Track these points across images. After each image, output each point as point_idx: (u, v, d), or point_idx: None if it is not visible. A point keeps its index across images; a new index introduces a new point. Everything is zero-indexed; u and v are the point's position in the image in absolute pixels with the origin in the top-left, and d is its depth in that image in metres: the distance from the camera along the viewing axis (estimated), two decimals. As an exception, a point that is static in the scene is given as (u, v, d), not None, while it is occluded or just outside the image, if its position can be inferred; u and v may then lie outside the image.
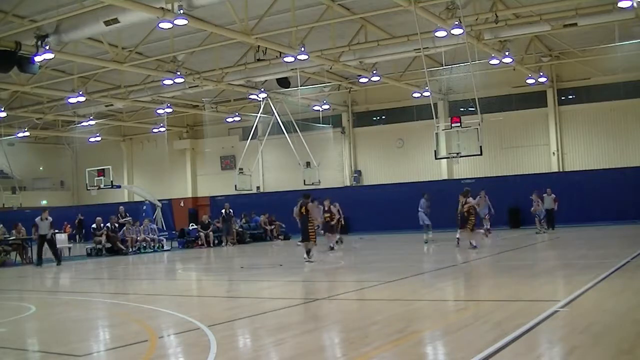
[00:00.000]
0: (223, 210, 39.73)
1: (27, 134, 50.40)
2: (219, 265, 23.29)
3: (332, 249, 29.57)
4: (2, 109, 41.27)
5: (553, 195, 35.21)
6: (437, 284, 17.43)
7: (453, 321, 11.58)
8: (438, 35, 28.42)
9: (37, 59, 26.92)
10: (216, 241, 39.50)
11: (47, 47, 26.05)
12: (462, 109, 41.54)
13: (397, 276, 18.14)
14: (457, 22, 26.41)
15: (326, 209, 29.99)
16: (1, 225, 35.22)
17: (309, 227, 24.34)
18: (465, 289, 16.37)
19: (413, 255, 25.75)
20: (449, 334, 10.41)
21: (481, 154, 28.43)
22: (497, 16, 27.91)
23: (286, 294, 17.17)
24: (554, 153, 43.20)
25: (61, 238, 35.42)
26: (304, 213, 24.63)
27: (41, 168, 62.41)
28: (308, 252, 24.20)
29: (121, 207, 41.12)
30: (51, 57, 27.70)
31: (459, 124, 28.36)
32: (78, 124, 48.84)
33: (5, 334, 12.59)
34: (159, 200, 46.86)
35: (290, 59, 30.89)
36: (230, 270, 23.23)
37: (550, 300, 12.77)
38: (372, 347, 9.70)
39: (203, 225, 39.39)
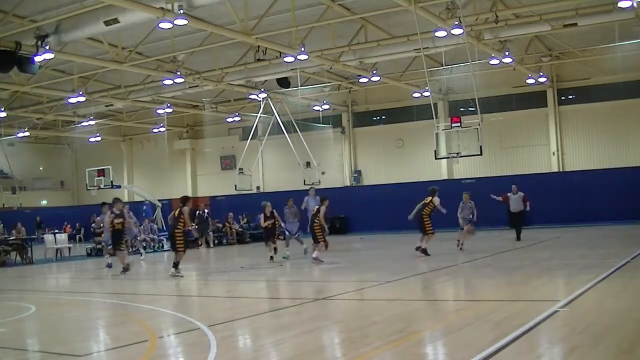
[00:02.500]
0: (198, 212, 39.70)
1: (27, 134, 50.43)
2: (218, 265, 23.29)
3: (272, 259, 25.39)
4: (2, 109, 41.29)
5: (521, 194, 30.38)
6: (437, 284, 17.44)
7: (453, 321, 11.58)
8: (438, 35, 28.43)
9: (37, 59, 26.93)
10: (216, 241, 39.57)
11: (47, 47, 26.06)
12: (462, 109, 41.51)
13: (397, 276, 18.14)
14: (457, 22, 26.42)
15: (267, 214, 25.75)
16: (1, 225, 35.24)
17: (178, 235, 21.62)
18: (465, 289, 16.38)
19: (413, 255, 25.71)
20: (449, 334, 10.42)
21: (481, 154, 28.42)
22: (497, 16, 27.92)
23: (286, 294, 17.18)
24: (554, 153, 43.21)
25: (61, 238, 35.49)
26: (176, 216, 21.62)
27: (41, 168, 62.42)
28: (176, 265, 21.52)
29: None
30: (51, 57, 27.71)
31: (459, 124, 28.36)
32: (78, 124, 48.83)
33: (5, 334, 12.61)
34: (158, 200, 46.85)
35: (290, 59, 30.90)
36: (230, 270, 23.21)
37: (550, 300, 12.77)
38: (372, 347, 9.70)
39: (204, 226, 39.46)
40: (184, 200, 21.98)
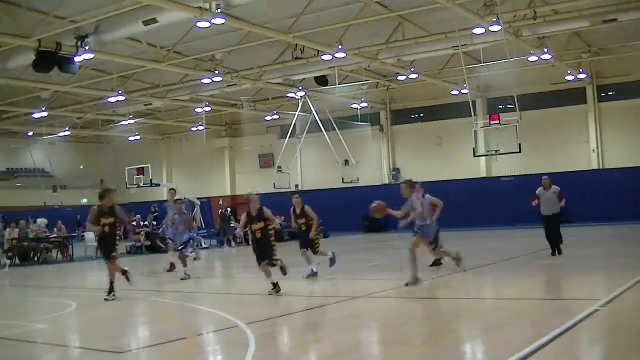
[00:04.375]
0: (220, 210, 39.66)
1: (68, 133, 50.94)
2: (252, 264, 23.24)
3: (275, 287, 15.90)
4: (44, 109, 41.74)
5: (556, 189, 21.88)
6: (475, 282, 17.35)
7: (492, 319, 11.53)
8: (476, 33, 28.31)
9: (77, 59, 27.17)
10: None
11: (87, 48, 26.31)
12: (500, 107, 41.19)
13: (434, 274, 18.09)
14: (495, 19, 26.28)
15: (253, 214, 16.38)
16: (46, 222, 35.62)
17: (116, 242, 17.36)
18: (504, 287, 16.28)
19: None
20: (487, 333, 10.38)
21: (520, 152, 28.25)
22: (535, 13, 27.70)
23: (324, 292, 17.18)
24: (594, 150, 42.80)
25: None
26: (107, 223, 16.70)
27: (81, 167, 62.91)
28: (112, 285, 16.73)
29: (154, 205, 41.36)
30: (91, 58, 27.96)
31: (497, 122, 28.24)
32: (117, 123, 49.26)
33: (47, 330, 12.76)
34: (197, 199, 47.10)
35: (328, 57, 30.90)
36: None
37: (589, 299, 12.65)
38: (411, 346, 9.71)
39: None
40: (110, 191, 17.18)
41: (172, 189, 23.95)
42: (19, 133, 54.05)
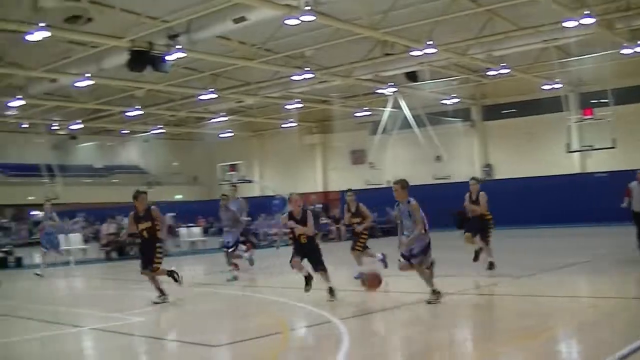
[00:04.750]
0: (311, 207, 39.94)
1: (161, 130, 51.93)
2: (350, 259, 23.16)
3: (332, 293, 14.45)
4: (138, 107, 42.60)
5: None
6: (569, 280, 17.08)
7: (584, 318, 11.36)
8: (567, 26, 27.81)
9: (169, 57, 27.73)
10: (348, 235, 39.78)
11: (178, 46, 26.82)
12: (593, 101, 40.37)
13: (528, 271, 17.92)
14: (587, 12, 25.81)
15: (297, 215, 14.82)
16: (173, 214, 36.49)
17: (158, 248, 15.47)
18: (597, 285, 16.01)
19: (546, 250, 25.27)
20: (580, 332, 10.24)
21: (614, 147, 27.67)
22: (628, 4, 27.11)
23: (418, 287, 17.17)
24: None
25: (195, 231, 36.68)
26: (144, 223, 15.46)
27: (175, 163, 63.97)
28: (161, 291, 15.50)
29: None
30: (182, 56, 28.46)
31: (591, 117, 27.77)
32: (209, 120, 49.93)
33: (144, 323, 13.09)
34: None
35: (417, 52, 30.80)
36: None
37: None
38: (504, 343, 9.68)
39: (334, 219, 39.80)
40: (143, 194, 15.75)
41: (223, 195, 21.54)
42: (114, 131, 55.47)
